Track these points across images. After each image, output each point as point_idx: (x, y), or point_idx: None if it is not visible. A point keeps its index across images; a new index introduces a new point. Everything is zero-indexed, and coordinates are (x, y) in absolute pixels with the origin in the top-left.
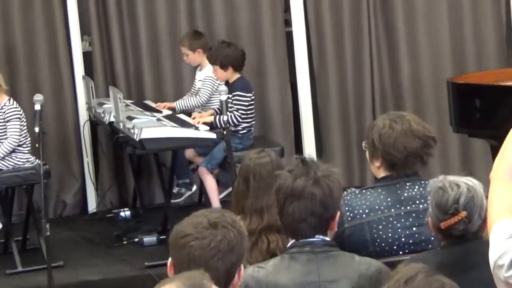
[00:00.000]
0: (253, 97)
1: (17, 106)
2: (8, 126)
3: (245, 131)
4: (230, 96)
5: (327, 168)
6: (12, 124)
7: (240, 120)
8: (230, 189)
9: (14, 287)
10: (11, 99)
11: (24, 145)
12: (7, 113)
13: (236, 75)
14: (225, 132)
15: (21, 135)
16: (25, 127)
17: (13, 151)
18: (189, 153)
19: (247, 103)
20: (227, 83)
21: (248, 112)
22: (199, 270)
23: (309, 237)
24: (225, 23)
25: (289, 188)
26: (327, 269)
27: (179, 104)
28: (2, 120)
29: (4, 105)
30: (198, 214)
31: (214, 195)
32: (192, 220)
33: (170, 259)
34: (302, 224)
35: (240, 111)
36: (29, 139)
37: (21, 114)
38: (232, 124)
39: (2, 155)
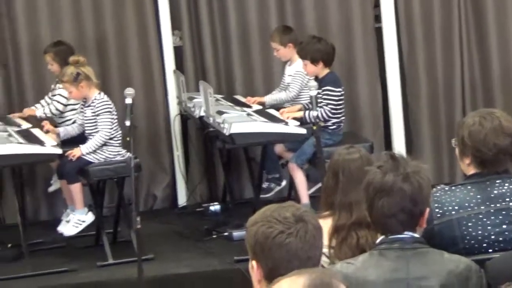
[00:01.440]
0: (342, 92)
1: (108, 99)
2: (99, 119)
3: (334, 126)
4: (320, 91)
5: (417, 165)
6: (103, 118)
7: (330, 115)
8: (319, 185)
9: (105, 279)
10: (101, 93)
11: (115, 139)
12: (97, 107)
13: (326, 70)
14: (315, 128)
15: (112, 128)
16: (116, 121)
17: (104, 144)
18: (279, 148)
19: (336, 98)
20: (316, 78)
21: (338, 107)
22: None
23: (398, 233)
24: (314, 18)
25: (379, 183)
26: (416, 266)
27: (268, 99)
28: (93, 114)
29: (95, 99)
30: (271, 210)
31: (303, 191)
32: (273, 216)
33: (254, 262)
34: (391, 220)
35: (329, 106)
36: (120, 132)
37: (111, 108)
38: (321, 119)
39: (93, 149)
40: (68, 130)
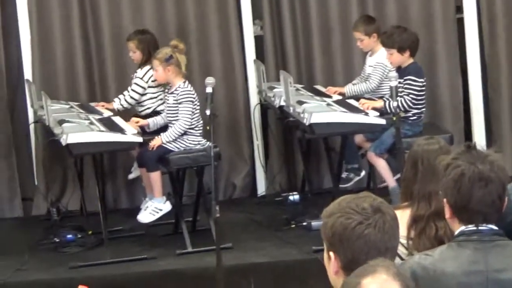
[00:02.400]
0: (424, 83)
1: (191, 89)
2: (180, 108)
3: (415, 117)
4: (402, 81)
5: (494, 156)
6: (184, 106)
7: (411, 105)
8: (398, 175)
9: (184, 266)
10: (186, 82)
11: (196, 128)
12: (180, 95)
13: (410, 60)
14: (394, 118)
15: (192, 118)
16: (198, 111)
17: (185, 133)
18: (359, 138)
19: (418, 88)
20: (398, 68)
21: (419, 98)
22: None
23: (477, 225)
24: (395, 9)
25: (457, 175)
26: (495, 259)
27: (349, 89)
28: (175, 102)
29: (178, 87)
30: (346, 201)
31: (388, 175)
32: (351, 207)
33: (331, 253)
34: (470, 212)
35: (411, 96)
36: (201, 122)
37: (194, 97)
38: (402, 109)
39: (173, 137)
40: (157, 120)
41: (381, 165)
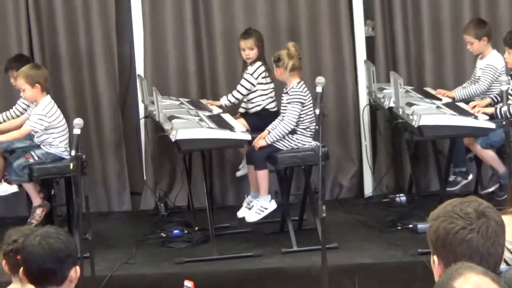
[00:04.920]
0: None
1: (303, 90)
2: (288, 107)
3: None
4: None
5: None
6: (292, 107)
7: None
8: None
9: (289, 265)
10: (301, 83)
11: (308, 129)
12: (291, 95)
13: None
14: (504, 123)
15: (304, 119)
16: (311, 112)
17: (295, 132)
18: (468, 140)
19: None
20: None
21: None
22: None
23: None
24: (508, 10)
25: None
26: None
27: (458, 92)
28: (287, 101)
29: (292, 88)
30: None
31: (497, 162)
32: (455, 212)
33: (435, 257)
34: None
35: None
36: (313, 124)
37: (304, 99)
38: (510, 116)
39: (277, 137)
40: None
41: (489, 154)
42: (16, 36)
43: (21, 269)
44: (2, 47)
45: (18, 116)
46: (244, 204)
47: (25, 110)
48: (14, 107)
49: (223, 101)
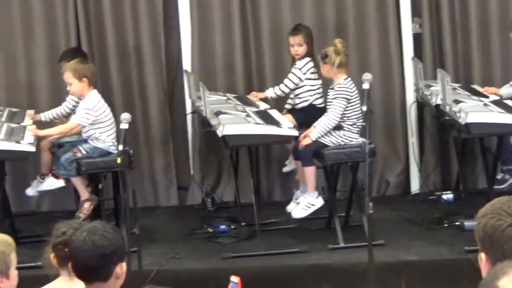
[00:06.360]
0: None
1: (349, 86)
2: (333, 102)
3: None
4: None
5: None
6: (337, 102)
7: None
8: None
9: (335, 261)
10: (347, 79)
11: (355, 126)
12: (336, 90)
13: None
14: None
15: (350, 115)
16: (357, 108)
17: (342, 128)
18: None
19: None
20: None
21: None
22: None
23: None
24: None
25: None
26: None
27: (506, 90)
28: (332, 97)
29: (338, 83)
30: (501, 202)
31: None
32: (503, 209)
33: (483, 255)
34: None
35: None
36: (361, 120)
37: (350, 95)
38: None
39: (320, 134)
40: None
41: None
42: (64, 32)
43: (70, 263)
44: (50, 44)
45: (68, 114)
46: (293, 198)
47: (75, 106)
48: (63, 103)
49: (269, 93)
